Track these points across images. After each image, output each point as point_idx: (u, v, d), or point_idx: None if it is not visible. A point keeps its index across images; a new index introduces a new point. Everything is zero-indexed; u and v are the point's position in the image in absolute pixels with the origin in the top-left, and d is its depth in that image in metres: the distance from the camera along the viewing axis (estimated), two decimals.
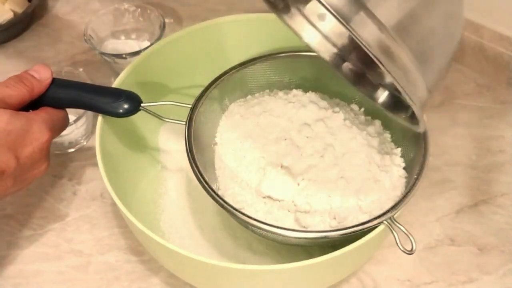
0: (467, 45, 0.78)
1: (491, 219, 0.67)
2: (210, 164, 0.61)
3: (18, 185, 0.56)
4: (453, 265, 0.64)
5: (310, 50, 0.56)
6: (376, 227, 0.53)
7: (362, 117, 0.64)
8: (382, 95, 0.56)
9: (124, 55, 0.77)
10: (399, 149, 0.61)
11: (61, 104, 0.61)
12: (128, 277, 0.65)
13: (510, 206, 0.68)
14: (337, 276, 0.60)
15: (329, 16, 0.44)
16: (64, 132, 0.71)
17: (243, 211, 0.56)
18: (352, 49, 0.55)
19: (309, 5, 0.55)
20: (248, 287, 0.58)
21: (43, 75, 0.58)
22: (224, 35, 0.69)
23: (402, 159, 0.60)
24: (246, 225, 0.56)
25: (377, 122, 0.63)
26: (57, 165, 0.74)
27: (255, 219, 0.54)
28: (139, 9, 0.83)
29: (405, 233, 0.51)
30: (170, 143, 0.70)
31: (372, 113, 0.64)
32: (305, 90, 0.66)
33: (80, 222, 0.69)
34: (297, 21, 0.55)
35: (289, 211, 0.57)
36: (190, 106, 0.61)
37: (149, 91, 0.65)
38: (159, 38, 0.76)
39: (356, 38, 0.41)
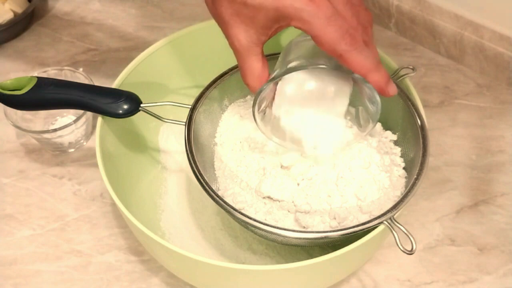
0: (467, 45, 0.78)
1: (491, 219, 0.67)
2: (210, 165, 0.61)
3: None
4: (453, 265, 0.64)
5: None
6: (376, 227, 0.53)
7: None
8: None
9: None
10: (399, 149, 0.61)
11: (60, 105, 0.61)
12: (128, 277, 0.65)
13: (510, 206, 0.68)
14: (337, 276, 0.60)
15: None
16: (64, 132, 0.71)
17: (243, 211, 0.56)
18: None
19: None
20: (248, 287, 0.58)
21: None
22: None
23: (402, 159, 0.60)
24: (246, 225, 0.56)
25: (377, 122, 0.63)
26: (57, 165, 0.74)
27: (255, 220, 0.54)
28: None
29: (405, 233, 0.51)
30: (170, 143, 0.70)
31: None
32: None
33: (80, 222, 0.69)
34: None
35: (289, 212, 0.57)
36: (190, 106, 0.61)
37: (149, 91, 0.65)
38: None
39: None
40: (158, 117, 0.61)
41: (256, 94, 0.54)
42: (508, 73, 0.77)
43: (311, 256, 0.54)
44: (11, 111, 0.71)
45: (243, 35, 0.51)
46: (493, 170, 0.71)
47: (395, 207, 0.53)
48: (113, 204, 0.69)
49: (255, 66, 0.53)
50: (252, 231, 0.57)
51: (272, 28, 0.50)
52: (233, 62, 0.64)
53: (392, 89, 0.51)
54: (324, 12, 0.47)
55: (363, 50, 0.48)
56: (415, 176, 0.55)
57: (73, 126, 0.72)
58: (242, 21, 0.50)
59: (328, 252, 0.52)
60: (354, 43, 0.47)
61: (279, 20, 0.49)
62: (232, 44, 0.52)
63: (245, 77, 0.54)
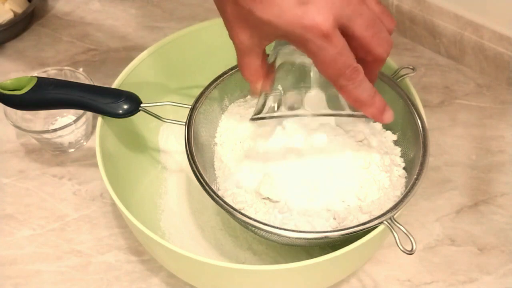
0: (467, 45, 0.78)
1: (491, 219, 0.67)
2: (210, 165, 0.61)
3: None
4: (453, 265, 0.64)
5: None
6: (376, 227, 0.53)
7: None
8: None
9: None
10: (399, 149, 0.61)
11: (60, 105, 0.61)
12: (128, 277, 0.65)
13: (510, 206, 0.68)
14: (337, 276, 0.60)
15: None
16: (64, 132, 0.71)
17: (243, 211, 0.56)
18: None
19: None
20: (248, 287, 0.58)
21: None
22: (224, 35, 0.69)
23: (402, 159, 0.60)
24: (246, 225, 0.56)
25: (378, 122, 0.63)
26: (57, 165, 0.74)
27: (254, 220, 0.54)
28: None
29: (405, 233, 0.51)
30: (170, 143, 0.70)
31: None
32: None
33: (80, 222, 0.69)
34: None
35: (288, 212, 0.57)
36: (190, 106, 0.61)
37: (149, 91, 0.65)
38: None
39: None
40: (158, 117, 0.61)
41: (255, 115, 0.54)
42: (508, 73, 0.77)
43: (311, 256, 0.53)
44: (11, 111, 0.71)
45: (246, 37, 0.50)
46: (493, 170, 0.71)
47: (395, 207, 0.53)
48: (113, 204, 0.69)
49: (254, 62, 0.52)
50: (252, 231, 0.57)
51: (277, 39, 0.50)
52: (233, 62, 0.64)
53: (387, 118, 0.51)
54: (333, 48, 0.46)
55: (361, 84, 0.48)
56: (415, 176, 0.56)
57: (73, 126, 0.72)
58: (246, 26, 0.49)
59: (328, 252, 0.52)
60: (354, 78, 0.47)
61: (285, 38, 0.48)
62: (233, 41, 0.52)
63: (242, 71, 0.54)
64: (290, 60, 0.55)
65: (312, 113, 0.52)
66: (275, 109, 0.53)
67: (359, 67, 0.48)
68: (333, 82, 0.48)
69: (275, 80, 0.54)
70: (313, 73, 0.54)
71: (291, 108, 0.53)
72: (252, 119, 0.55)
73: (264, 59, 0.53)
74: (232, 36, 0.51)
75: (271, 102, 0.54)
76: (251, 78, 0.54)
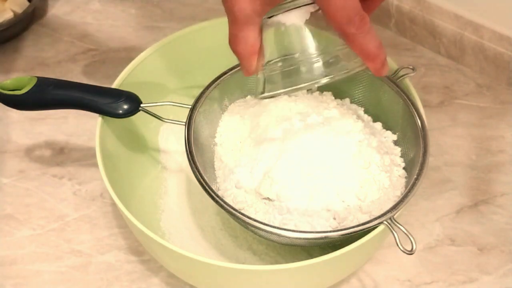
0: (467, 45, 0.78)
1: (491, 219, 0.67)
2: (210, 165, 0.61)
3: None
4: (453, 265, 0.64)
5: None
6: (376, 227, 0.53)
7: (363, 117, 0.64)
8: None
9: None
10: (399, 149, 0.61)
11: (60, 105, 0.61)
12: (128, 277, 0.65)
13: (510, 206, 0.68)
14: (337, 276, 0.60)
15: None
16: None
17: (242, 211, 0.56)
18: None
19: None
20: (248, 287, 0.58)
21: None
22: (224, 35, 0.69)
23: (402, 159, 0.60)
24: (246, 225, 0.56)
25: (378, 122, 0.63)
26: (57, 165, 0.74)
27: (254, 220, 0.54)
28: None
29: (405, 233, 0.51)
30: (170, 143, 0.70)
31: (372, 113, 0.64)
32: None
33: (80, 222, 0.69)
34: None
35: (289, 212, 0.57)
36: (190, 106, 0.61)
37: (149, 91, 0.65)
38: None
39: None
40: (158, 117, 0.61)
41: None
42: (508, 73, 0.77)
43: (311, 256, 0.53)
44: None
45: (247, 3, 0.47)
46: (493, 170, 0.71)
47: (395, 207, 0.54)
48: (113, 204, 0.69)
49: (252, 35, 0.49)
50: (252, 231, 0.57)
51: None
52: (233, 62, 0.64)
53: (385, 72, 0.49)
54: None
55: (369, 33, 0.47)
56: (415, 176, 0.56)
57: None
58: None
59: (328, 252, 0.52)
60: (362, 26, 0.46)
61: None
62: (231, 10, 0.48)
63: (238, 46, 0.50)
64: (277, 29, 0.51)
65: (314, 83, 0.50)
66: (279, 83, 0.51)
67: (366, 15, 0.47)
68: (342, 30, 0.47)
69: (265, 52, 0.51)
70: (303, 39, 0.52)
71: (292, 80, 0.51)
72: (261, 98, 0.52)
73: (260, 32, 0.50)
74: (230, 1, 0.48)
75: (272, 77, 0.52)
76: (247, 54, 0.50)
